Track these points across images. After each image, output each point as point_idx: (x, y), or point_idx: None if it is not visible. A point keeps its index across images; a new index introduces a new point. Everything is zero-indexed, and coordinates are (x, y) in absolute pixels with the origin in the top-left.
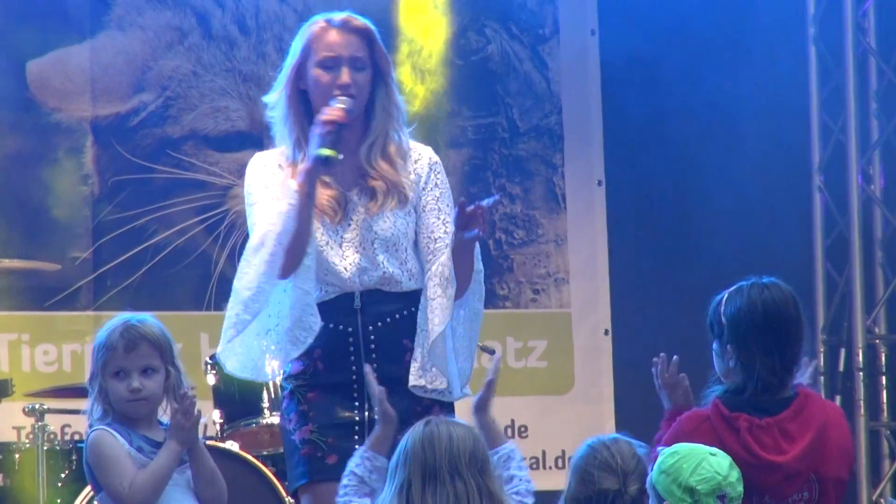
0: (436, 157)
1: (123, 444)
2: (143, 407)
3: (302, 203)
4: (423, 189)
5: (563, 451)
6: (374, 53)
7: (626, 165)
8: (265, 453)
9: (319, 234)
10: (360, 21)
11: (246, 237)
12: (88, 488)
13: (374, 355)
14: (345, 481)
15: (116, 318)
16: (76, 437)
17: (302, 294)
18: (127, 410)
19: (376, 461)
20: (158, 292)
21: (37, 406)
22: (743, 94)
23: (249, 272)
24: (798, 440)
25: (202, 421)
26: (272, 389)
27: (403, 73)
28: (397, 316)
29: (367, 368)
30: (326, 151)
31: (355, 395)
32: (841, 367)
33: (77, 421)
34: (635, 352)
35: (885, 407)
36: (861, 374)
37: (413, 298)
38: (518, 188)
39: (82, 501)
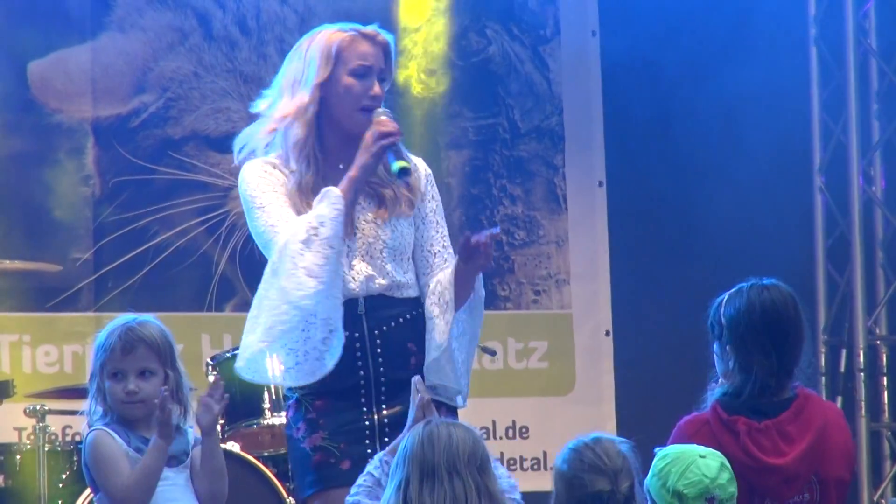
0: (429, 170)
1: (122, 444)
2: (139, 409)
3: (347, 209)
4: (422, 200)
5: None
6: (390, 69)
7: (627, 166)
8: (266, 454)
9: None
10: (385, 36)
11: (246, 237)
12: (89, 489)
13: (380, 360)
14: (360, 480)
15: (118, 319)
16: (77, 438)
17: (339, 303)
18: (123, 412)
19: None
20: (159, 293)
21: (38, 407)
22: (744, 94)
23: (301, 272)
24: (797, 442)
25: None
26: (273, 390)
27: (404, 75)
28: (401, 320)
29: (416, 378)
30: (402, 164)
31: (363, 399)
32: (842, 368)
33: (78, 422)
34: (636, 353)
35: (886, 408)
36: (862, 375)
37: (413, 304)
38: (519, 189)
39: (83, 502)
